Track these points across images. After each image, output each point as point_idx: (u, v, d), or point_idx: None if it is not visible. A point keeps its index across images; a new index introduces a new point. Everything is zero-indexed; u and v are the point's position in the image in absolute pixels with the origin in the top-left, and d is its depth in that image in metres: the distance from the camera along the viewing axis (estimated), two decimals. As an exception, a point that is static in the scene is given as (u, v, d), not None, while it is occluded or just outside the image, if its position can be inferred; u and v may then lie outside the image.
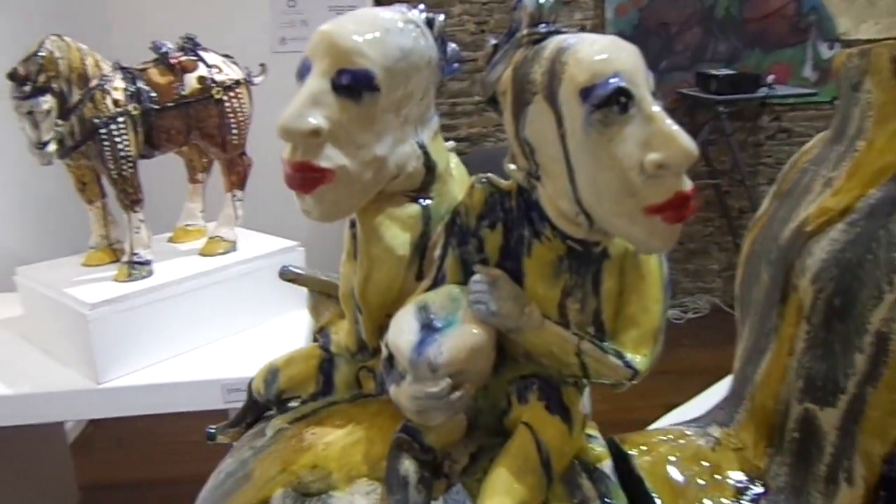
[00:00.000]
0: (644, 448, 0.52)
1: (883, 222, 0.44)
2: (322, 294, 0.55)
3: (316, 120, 0.41)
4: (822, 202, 0.48)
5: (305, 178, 0.42)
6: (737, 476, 0.50)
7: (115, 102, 1.61)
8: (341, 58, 0.42)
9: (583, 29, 3.31)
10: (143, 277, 1.63)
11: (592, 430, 0.53)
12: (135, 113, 1.63)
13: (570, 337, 0.45)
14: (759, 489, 0.50)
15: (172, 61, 1.75)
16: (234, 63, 1.87)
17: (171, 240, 1.93)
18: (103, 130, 1.60)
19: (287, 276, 0.55)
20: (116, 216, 1.74)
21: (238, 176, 1.85)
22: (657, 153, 0.37)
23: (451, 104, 3.42)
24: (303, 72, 0.44)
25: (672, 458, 0.51)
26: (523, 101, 0.42)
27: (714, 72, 2.99)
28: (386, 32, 0.44)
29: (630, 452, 0.52)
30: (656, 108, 0.38)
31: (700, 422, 0.55)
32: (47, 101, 1.54)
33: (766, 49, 3.23)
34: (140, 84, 1.68)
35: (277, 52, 3.10)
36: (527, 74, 0.41)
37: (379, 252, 0.47)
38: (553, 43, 0.41)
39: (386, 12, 0.46)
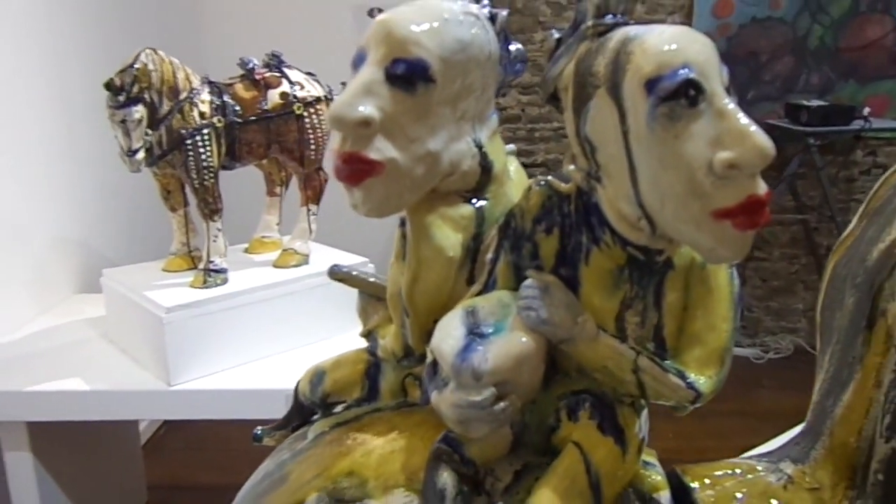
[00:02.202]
0: (708, 481, 0.48)
1: None
2: (372, 297, 0.54)
3: (367, 110, 0.40)
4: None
5: (354, 169, 0.41)
6: None
7: (202, 115, 1.67)
8: (396, 47, 0.41)
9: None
10: (218, 285, 1.67)
11: (651, 458, 0.49)
12: (219, 125, 1.70)
13: (627, 352, 0.42)
14: (836, 537, 0.44)
15: (257, 77, 1.81)
16: (317, 80, 1.92)
17: (246, 250, 1.98)
18: (189, 141, 1.66)
19: (336, 275, 0.54)
20: (196, 225, 1.80)
21: (314, 191, 1.89)
22: (729, 152, 0.34)
23: (528, 129, 3.40)
24: (357, 61, 0.43)
25: (738, 495, 0.46)
26: (585, 96, 0.39)
27: (805, 103, 2.86)
28: (444, 23, 0.42)
29: (692, 485, 0.47)
30: (729, 104, 0.35)
31: (773, 456, 0.50)
32: (139, 111, 1.61)
33: (861, 81, 3.07)
34: (226, 98, 1.74)
35: (360, 72, 3.19)
36: (589, 67, 0.39)
37: (429, 253, 0.45)
38: (619, 34, 0.38)
39: (447, 3, 0.44)
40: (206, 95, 1.71)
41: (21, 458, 1.77)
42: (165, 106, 1.66)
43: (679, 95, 0.34)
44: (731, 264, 0.43)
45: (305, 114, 1.83)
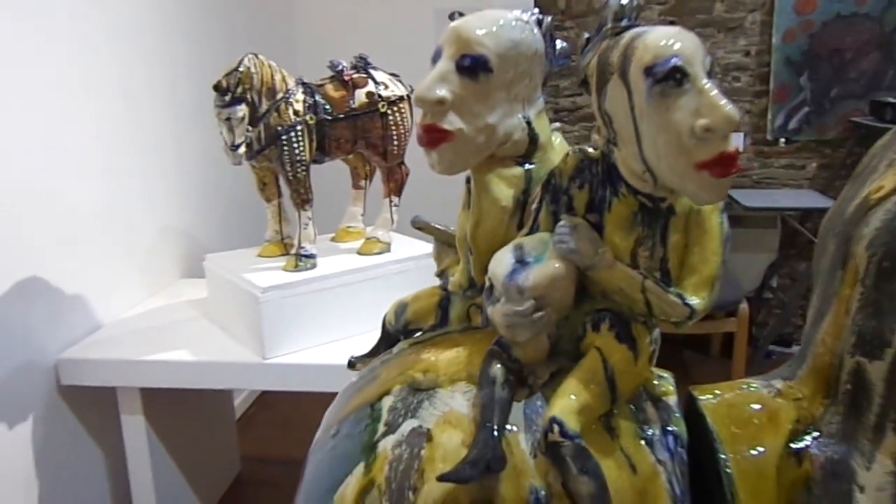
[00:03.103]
0: (711, 394, 0.60)
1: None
2: (444, 244, 0.69)
3: (442, 92, 0.55)
4: (879, 181, 0.55)
5: (432, 137, 0.56)
6: (794, 418, 0.57)
7: (296, 113, 1.86)
8: (464, 46, 0.56)
9: (746, 55, 3.27)
10: (308, 269, 1.86)
11: (666, 374, 0.62)
12: (311, 122, 1.88)
13: (636, 276, 0.56)
14: (812, 434, 0.56)
15: (346, 78, 1.98)
16: (400, 81, 2.09)
17: (333, 239, 2.16)
18: (284, 137, 1.85)
19: (417, 223, 0.70)
20: (288, 214, 1.99)
21: (396, 183, 2.05)
22: (705, 119, 0.47)
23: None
24: (435, 57, 0.58)
25: (733, 401, 0.59)
26: (604, 80, 0.53)
27: (890, 100, 2.84)
28: (500, 27, 0.58)
29: (697, 395, 0.60)
30: (707, 84, 0.48)
31: (768, 376, 0.62)
32: (242, 110, 1.80)
33: (951, 78, 3.02)
34: (317, 97, 1.92)
35: (441, 74, 3.36)
36: (607, 58, 0.53)
37: (488, 204, 0.60)
38: (629, 33, 0.52)
39: (503, 12, 0.59)
40: (299, 95, 1.90)
41: (136, 421, 1.99)
42: (264, 105, 1.85)
43: (669, 78, 0.48)
44: (723, 210, 0.56)
45: (389, 112, 1.99)
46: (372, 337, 1.93)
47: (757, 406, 0.59)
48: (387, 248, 2.01)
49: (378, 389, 0.60)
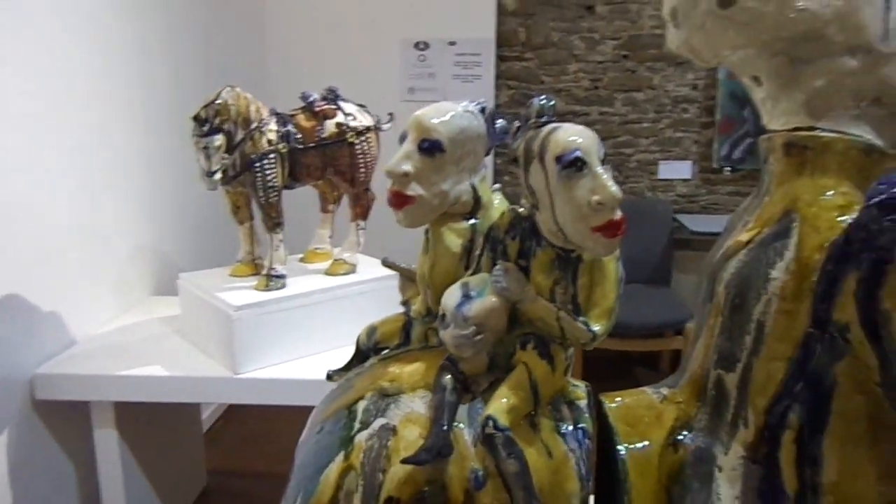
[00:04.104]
0: (614, 399, 0.80)
1: (765, 249, 0.70)
2: (407, 279, 0.88)
3: (406, 167, 0.74)
4: (737, 236, 0.75)
5: (398, 200, 0.75)
6: (674, 417, 0.76)
7: (269, 142, 2.01)
8: (424, 132, 0.75)
9: (694, 88, 3.53)
10: (279, 289, 2.01)
11: (580, 383, 0.81)
12: (283, 151, 2.03)
13: (552, 308, 0.75)
14: (687, 429, 0.76)
15: (317, 109, 2.14)
16: (367, 112, 2.26)
17: (301, 260, 2.31)
18: (258, 164, 2.00)
19: (386, 263, 0.89)
20: (259, 236, 2.14)
21: (363, 208, 2.21)
22: (598, 196, 0.67)
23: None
24: (402, 138, 0.77)
25: (631, 404, 0.78)
26: (528, 161, 0.73)
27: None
28: (452, 117, 0.77)
29: (603, 400, 0.79)
30: (600, 170, 0.68)
31: (657, 386, 0.81)
32: (219, 139, 1.95)
33: None
34: (290, 127, 2.08)
35: (406, 100, 3.56)
36: (530, 145, 0.72)
37: (442, 250, 0.79)
38: (547, 128, 0.72)
39: (454, 105, 0.78)
40: (273, 125, 2.05)
41: (108, 434, 2.09)
42: (240, 134, 1.99)
43: (572, 165, 0.67)
44: (618, 259, 0.75)
45: (357, 141, 2.16)
46: (337, 353, 2.07)
47: (647, 408, 0.78)
48: (353, 269, 2.16)
49: (354, 395, 0.78)
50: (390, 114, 2.30)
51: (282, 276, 2.04)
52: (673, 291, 3.50)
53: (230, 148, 1.97)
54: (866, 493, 0.69)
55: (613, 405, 0.79)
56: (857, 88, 0.70)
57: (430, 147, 0.75)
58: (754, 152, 3.43)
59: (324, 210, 2.33)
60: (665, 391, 0.80)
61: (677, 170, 3.63)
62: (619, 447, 0.76)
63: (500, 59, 3.61)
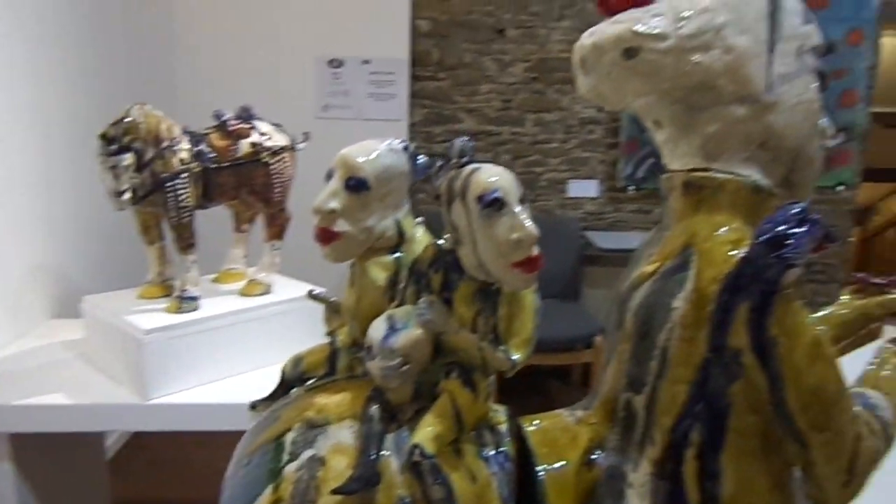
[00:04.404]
0: (532, 422, 0.84)
1: (667, 281, 0.77)
2: (333, 311, 0.90)
3: (333, 204, 0.77)
4: (643, 268, 0.81)
5: (325, 236, 0.77)
6: (588, 437, 0.82)
7: (182, 161, 1.97)
8: (350, 170, 0.78)
9: (600, 110, 3.69)
10: (191, 311, 1.96)
11: (500, 407, 0.86)
12: (196, 170, 1.99)
13: (474, 338, 0.79)
14: (600, 449, 0.81)
15: (231, 128, 2.11)
16: (283, 131, 2.24)
17: (215, 281, 2.27)
18: (169, 184, 1.95)
19: (311, 296, 0.90)
20: (170, 256, 2.08)
21: (278, 228, 2.20)
22: (517, 234, 0.71)
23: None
24: (329, 175, 0.80)
25: (548, 427, 0.83)
26: (451, 199, 0.77)
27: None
28: (377, 156, 0.80)
29: (522, 424, 0.84)
30: (518, 209, 0.72)
31: (573, 408, 0.87)
32: (128, 158, 1.89)
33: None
34: (202, 146, 2.04)
35: (321, 118, 3.55)
36: (453, 185, 0.76)
37: (367, 284, 0.82)
38: (468, 169, 0.76)
39: (378, 143, 0.82)
40: (185, 144, 2.00)
41: (2, 468, 1.98)
42: (150, 153, 1.93)
43: (492, 205, 0.72)
44: (534, 291, 0.80)
45: (272, 161, 2.14)
46: (253, 375, 2.04)
47: (563, 430, 0.83)
48: (268, 289, 2.14)
49: (281, 427, 0.79)
50: (306, 133, 2.29)
51: (194, 298, 2.00)
52: (582, 306, 3.64)
53: (139, 167, 1.91)
54: (760, 502, 0.76)
55: (532, 428, 0.84)
56: (746, 134, 0.78)
57: (356, 185, 0.78)
58: (656, 172, 3.62)
59: (238, 230, 2.30)
60: (580, 413, 0.86)
61: (585, 188, 3.78)
62: (538, 468, 0.80)
63: (415, 78, 3.66)
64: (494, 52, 3.69)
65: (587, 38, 0.79)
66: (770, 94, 0.77)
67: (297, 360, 0.89)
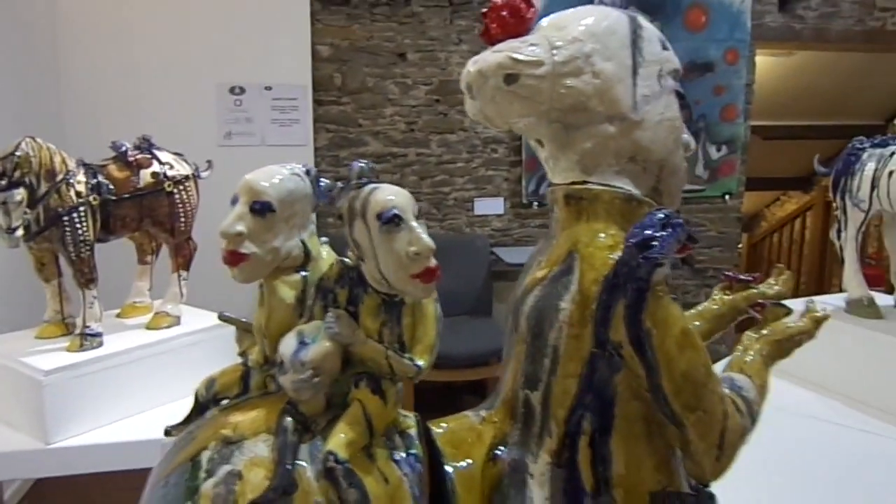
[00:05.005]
0: (441, 424, 0.91)
1: (555, 285, 0.85)
2: (244, 331, 0.94)
3: (239, 228, 0.81)
4: (534, 274, 0.89)
5: (233, 259, 0.82)
6: (492, 435, 0.89)
7: (78, 194, 1.93)
8: (254, 195, 0.83)
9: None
10: (94, 348, 1.92)
11: (409, 413, 0.92)
12: (94, 203, 1.96)
13: (381, 348, 0.85)
14: (503, 445, 0.88)
15: (130, 159, 2.10)
16: (185, 160, 2.24)
17: (119, 315, 2.22)
18: (66, 218, 1.91)
19: (222, 317, 0.94)
20: (69, 293, 2.03)
21: (184, 258, 2.19)
22: (414, 247, 0.78)
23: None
24: (234, 200, 0.84)
25: (455, 428, 0.90)
26: (352, 218, 0.83)
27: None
28: (280, 180, 0.85)
29: (433, 428, 0.90)
30: (415, 224, 0.79)
31: (477, 409, 0.94)
32: (20, 194, 1.84)
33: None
34: (100, 178, 2.01)
35: (223, 145, 3.54)
36: (353, 205, 0.82)
37: (276, 302, 0.86)
38: (367, 189, 0.82)
39: (281, 168, 0.87)
40: (81, 176, 1.97)
41: None
42: (43, 187, 1.89)
43: (391, 222, 0.78)
44: (436, 300, 0.87)
45: (175, 190, 2.14)
46: (166, 409, 2.01)
47: (469, 430, 0.90)
48: (176, 321, 2.12)
49: (197, 447, 0.82)
50: (209, 161, 2.30)
51: (97, 335, 1.96)
52: (494, 321, 3.74)
53: (32, 202, 1.87)
54: (646, 481, 0.85)
55: (440, 430, 0.90)
56: (616, 149, 0.88)
57: (261, 208, 0.82)
58: (558, 188, 3.79)
59: (141, 262, 2.27)
60: (483, 413, 0.93)
61: (491, 206, 3.91)
62: (447, 467, 0.86)
63: (318, 103, 3.70)
64: (396, 75, 3.78)
65: (472, 66, 0.87)
66: (636, 113, 0.87)
67: (210, 382, 0.92)
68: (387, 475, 0.82)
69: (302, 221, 0.89)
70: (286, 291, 0.87)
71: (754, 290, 1.06)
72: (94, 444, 1.84)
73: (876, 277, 2.69)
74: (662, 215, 0.81)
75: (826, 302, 2.35)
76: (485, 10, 0.88)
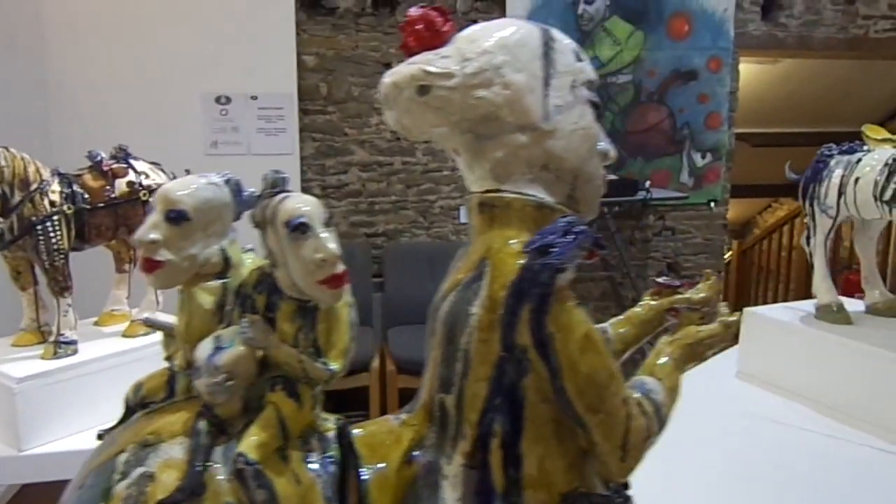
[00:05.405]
0: (361, 428, 0.93)
1: (467, 290, 0.87)
2: (169, 336, 0.96)
3: (154, 235, 0.84)
4: (451, 279, 0.91)
5: (149, 265, 0.84)
6: (410, 438, 0.91)
7: (52, 203, 1.97)
8: (169, 203, 0.86)
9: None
10: (69, 356, 1.95)
11: (331, 417, 0.94)
12: (69, 212, 1.99)
13: (294, 353, 0.87)
14: (420, 448, 0.90)
15: (105, 168, 2.13)
16: (161, 169, 2.27)
17: (96, 323, 2.25)
18: (39, 227, 1.94)
19: (148, 322, 0.96)
20: (46, 301, 2.06)
21: (158, 267, 2.20)
22: (321, 254, 0.80)
23: (369, 203, 3.90)
24: (149, 210, 0.87)
25: (374, 431, 0.92)
26: (264, 227, 0.85)
27: (611, 176, 3.54)
28: (196, 189, 0.88)
29: (352, 430, 0.92)
30: (322, 232, 0.82)
31: (399, 413, 0.96)
32: None
33: (647, 157, 3.82)
34: (75, 187, 2.04)
35: (210, 154, 3.58)
36: (265, 213, 0.85)
37: (194, 307, 0.89)
38: (278, 197, 0.85)
39: (199, 178, 0.90)
40: (56, 186, 2.00)
41: None
42: (17, 196, 1.92)
43: (298, 230, 0.81)
44: (351, 305, 0.89)
45: (151, 199, 2.15)
46: (135, 417, 2.01)
47: (388, 433, 0.92)
48: (153, 329, 2.15)
49: (115, 449, 0.85)
50: (187, 170, 2.32)
51: (72, 343, 1.99)
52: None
53: (5, 211, 1.91)
54: (558, 482, 0.87)
55: (360, 433, 0.92)
56: (528, 158, 0.90)
57: (175, 217, 0.85)
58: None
59: (119, 270, 2.30)
60: (403, 416, 0.95)
61: (477, 214, 3.91)
62: (362, 469, 0.88)
63: (304, 112, 3.74)
64: (382, 85, 3.81)
65: (388, 78, 0.89)
66: (547, 123, 0.89)
67: (138, 386, 0.95)
68: (299, 476, 0.84)
69: (222, 229, 0.91)
70: (205, 297, 0.89)
71: (681, 296, 1.08)
72: (67, 451, 1.86)
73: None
74: (565, 222, 0.83)
75: (797, 308, 2.36)
76: (402, 23, 0.91)
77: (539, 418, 0.86)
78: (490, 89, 0.87)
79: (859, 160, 2.10)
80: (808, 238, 2.27)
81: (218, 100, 3.57)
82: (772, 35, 3.85)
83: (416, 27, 0.89)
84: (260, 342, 0.85)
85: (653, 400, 0.91)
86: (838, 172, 2.14)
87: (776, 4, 3.89)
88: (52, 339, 1.99)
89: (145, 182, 2.17)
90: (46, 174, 2.00)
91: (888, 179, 1.97)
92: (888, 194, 1.97)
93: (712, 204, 3.89)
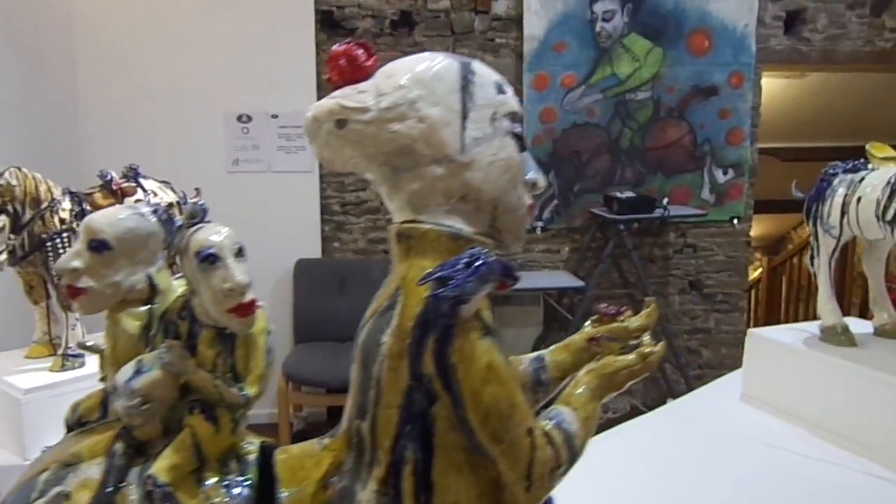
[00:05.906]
0: (285, 452, 0.95)
1: (381, 319, 0.88)
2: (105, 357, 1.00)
3: (76, 264, 0.88)
4: (372, 307, 0.93)
5: (71, 292, 0.88)
6: (329, 462, 0.92)
7: (62, 220, 2.04)
8: (91, 233, 0.90)
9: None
10: (76, 368, 2.01)
11: (255, 439, 0.96)
12: (78, 229, 2.05)
13: (210, 378, 0.90)
14: (338, 473, 0.92)
15: (114, 187, 2.20)
16: (171, 188, 2.33)
17: (104, 336, 2.30)
18: (49, 243, 2.02)
19: (82, 346, 1.01)
20: (57, 315, 2.13)
21: (163, 283, 2.26)
22: (228, 284, 0.83)
23: (387, 220, 3.94)
24: (75, 238, 0.91)
25: (296, 454, 0.93)
26: (182, 256, 0.88)
27: (617, 194, 3.50)
28: (119, 220, 0.92)
29: (276, 454, 0.94)
30: (231, 262, 0.84)
31: (322, 438, 0.97)
32: (2, 220, 1.96)
33: (667, 174, 3.75)
34: (85, 205, 2.11)
35: (231, 171, 3.66)
36: (181, 244, 0.88)
37: (119, 332, 0.93)
38: (193, 228, 0.88)
39: (125, 209, 0.93)
40: (66, 204, 2.08)
41: None
42: (28, 214, 2.00)
43: (206, 260, 0.84)
44: (269, 332, 0.91)
45: (156, 218, 2.21)
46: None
47: (309, 457, 0.93)
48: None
49: (39, 468, 0.89)
50: (197, 189, 2.39)
51: (79, 356, 2.05)
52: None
53: (17, 228, 1.98)
54: (469, 511, 0.87)
55: (283, 456, 0.94)
56: (445, 189, 0.91)
57: (97, 246, 0.89)
58: (561, 213, 3.79)
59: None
60: (326, 441, 0.96)
61: (495, 230, 3.91)
62: (279, 492, 0.90)
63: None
64: (401, 103, 3.83)
65: (309, 112, 0.91)
66: (464, 155, 0.90)
67: (75, 407, 0.99)
68: (212, 499, 0.86)
69: (149, 257, 0.95)
70: (129, 323, 0.93)
71: (617, 325, 1.07)
72: (69, 460, 1.91)
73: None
74: (469, 254, 0.84)
75: (802, 329, 2.30)
76: (327, 57, 0.93)
77: (450, 446, 0.86)
78: (404, 123, 0.88)
79: (862, 179, 2.03)
80: (812, 258, 2.21)
81: (240, 118, 3.65)
82: (795, 49, 3.76)
83: (339, 62, 0.91)
84: (177, 367, 0.88)
85: (564, 430, 0.90)
86: (841, 191, 2.08)
87: (799, 19, 3.80)
88: (60, 351, 2.05)
89: (153, 200, 2.23)
90: (57, 193, 2.08)
91: (890, 199, 1.91)
92: (890, 214, 1.91)
93: (735, 221, 3.81)
